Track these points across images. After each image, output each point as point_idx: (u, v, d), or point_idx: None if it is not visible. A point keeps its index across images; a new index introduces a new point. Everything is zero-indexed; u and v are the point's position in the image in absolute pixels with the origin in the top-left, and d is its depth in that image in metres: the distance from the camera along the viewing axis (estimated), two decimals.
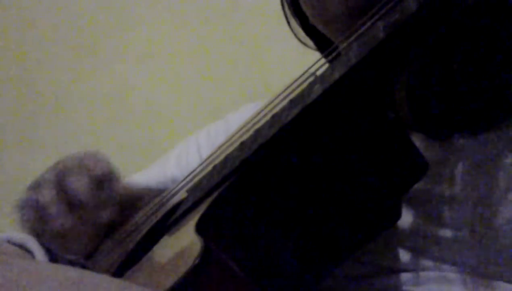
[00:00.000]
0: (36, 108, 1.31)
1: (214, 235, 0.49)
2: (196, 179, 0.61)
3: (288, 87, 0.57)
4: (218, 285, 0.47)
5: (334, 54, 0.55)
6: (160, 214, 0.64)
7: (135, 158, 1.18)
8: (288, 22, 0.73)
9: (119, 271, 0.60)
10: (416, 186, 0.53)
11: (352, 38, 0.51)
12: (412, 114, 0.61)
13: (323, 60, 0.56)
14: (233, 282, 0.47)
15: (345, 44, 0.52)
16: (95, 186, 0.65)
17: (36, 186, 0.65)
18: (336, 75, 0.49)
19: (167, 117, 1.24)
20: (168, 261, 0.51)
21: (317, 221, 0.51)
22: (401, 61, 0.49)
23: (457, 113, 0.61)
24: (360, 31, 0.50)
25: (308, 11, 0.65)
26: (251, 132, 0.55)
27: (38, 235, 0.64)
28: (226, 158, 0.56)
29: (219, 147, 0.61)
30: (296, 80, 0.57)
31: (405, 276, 0.59)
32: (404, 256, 0.59)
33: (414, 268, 0.59)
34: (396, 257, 0.59)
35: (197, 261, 0.45)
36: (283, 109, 0.53)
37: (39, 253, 0.54)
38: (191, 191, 0.61)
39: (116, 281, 0.44)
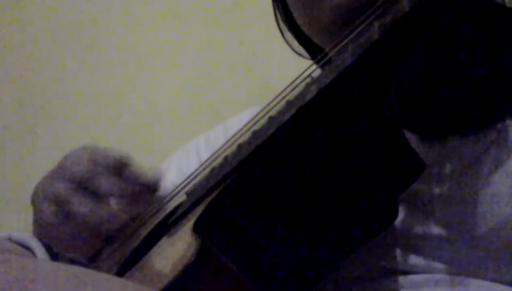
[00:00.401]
0: (36, 108, 1.31)
1: (211, 234, 0.49)
2: (195, 182, 0.62)
3: (285, 89, 0.57)
4: (215, 283, 0.47)
5: (327, 58, 0.55)
6: (159, 216, 0.65)
7: (135, 158, 1.18)
8: (282, 34, 0.74)
9: (120, 271, 0.60)
10: None
11: (347, 39, 0.51)
12: (404, 113, 0.61)
13: (321, 62, 0.57)
14: (230, 280, 0.47)
15: (339, 47, 0.53)
16: (115, 174, 0.64)
17: (52, 178, 0.64)
18: (332, 75, 0.49)
19: (167, 117, 1.24)
20: (167, 262, 0.52)
21: (314, 221, 0.51)
22: (395, 61, 0.50)
23: (447, 114, 0.62)
24: (355, 32, 0.51)
25: (300, 21, 0.65)
26: (248, 134, 0.56)
27: (59, 225, 0.63)
28: (224, 160, 0.56)
29: (218, 150, 0.62)
30: (293, 82, 0.57)
31: (395, 279, 0.59)
32: (396, 255, 0.60)
33: (405, 267, 0.59)
34: (389, 256, 0.60)
35: (193, 259, 0.45)
36: (280, 111, 0.53)
37: (40, 251, 0.54)
38: (190, 193, 0.61)
39: (116, 280, 0.44)
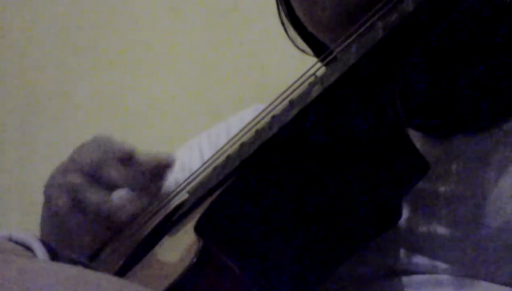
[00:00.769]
0: (36, 108, 1.31)
1: (213, 234, 0.49)
2: (197, 180, 0.61)
3: (288, 88, 0.57)
4: (216, 284, 0.47)
5: (331, 57, 0.55)
6: (161, 215, 0.64)
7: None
8: (286, 30, 0.73)
9: (121, 271, 0.60)
10: None
11: (351, 38, 0.51)
12: (408, 113, 0.61)
13: (324, 61, 0.57)
14: (231, 281, 0.47)
15: (343, 46, 0.52)
16: (125, 164, 0.65)
17: (65, 170, 0.65)
18: (336, 75, 0.49)
19: (167, 117, 1.24)
20: (169, 262, 0.52)
21: (317, 221, 0.51)
22: (399, 60, 0.50)
23: (452, 113, 0.62)
24: (359, 32, 0.51)
25: (303, 19, 0.65)
26: (251, 133, 0.56)
27: (72, 215, 0.64)
28: (227, 159, 0.56)
29: (220, 149, 0.62)
30: (296, 81, 0.57)
31: (399, 279, 0.59)
32: (400, 254, 0.60)
33: (409, 267, 0.59)
34: (393, 256, 0.59)
35: (194, 260, 0.45)
36: (283, 110, 0.53)
37: (41, 251, 0.54)
38: (192, 192, 0.61)
39: (117, 280, 0.44)
